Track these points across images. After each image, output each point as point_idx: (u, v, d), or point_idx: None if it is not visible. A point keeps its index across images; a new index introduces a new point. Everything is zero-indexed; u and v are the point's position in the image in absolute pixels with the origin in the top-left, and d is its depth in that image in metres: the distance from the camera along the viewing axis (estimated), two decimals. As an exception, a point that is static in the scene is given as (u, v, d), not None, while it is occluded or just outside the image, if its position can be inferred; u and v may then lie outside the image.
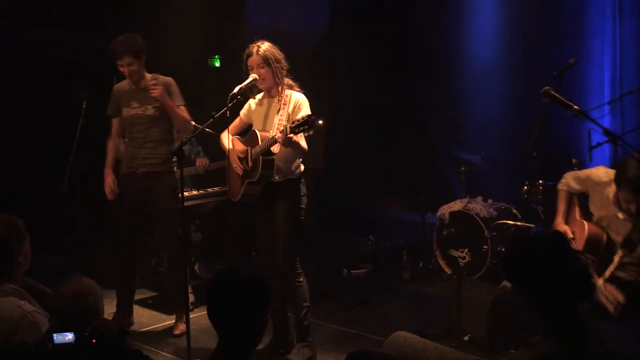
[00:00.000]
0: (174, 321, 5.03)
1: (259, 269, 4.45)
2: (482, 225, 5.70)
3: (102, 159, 5.27)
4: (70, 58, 6.73)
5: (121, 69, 4.77)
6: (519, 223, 5.76)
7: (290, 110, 4.22)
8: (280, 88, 4.30)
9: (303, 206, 4.36)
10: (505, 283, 4.11)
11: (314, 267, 5.86)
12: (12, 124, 6.46)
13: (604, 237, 3.80)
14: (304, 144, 4.17)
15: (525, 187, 5.66)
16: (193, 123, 4.93)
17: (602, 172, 3.93)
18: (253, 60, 4.28)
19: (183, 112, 4.79)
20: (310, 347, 4.47)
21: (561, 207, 4.11)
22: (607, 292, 3.51)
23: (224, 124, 4.37)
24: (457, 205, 5.98)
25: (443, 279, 5.98)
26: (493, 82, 7.11)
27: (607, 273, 3.64)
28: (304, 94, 4.32)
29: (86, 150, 5.16)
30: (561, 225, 4.02)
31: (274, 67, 4.24)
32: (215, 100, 4.58)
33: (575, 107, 4.05)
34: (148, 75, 4.84)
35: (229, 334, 2.42)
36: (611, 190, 3.76)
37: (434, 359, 3.00)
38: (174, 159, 4.75)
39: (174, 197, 4.75)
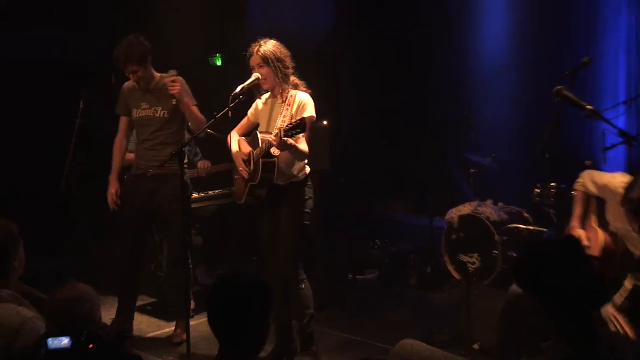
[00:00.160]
0: (173, 328, 5.03)
1: (263, 273, 4.46)
2: (493, 229, 5.68)
3: (103, 159, 5.28)
4: (69, 58, 6.75)
5: (128, 76, 4.79)
6: (531, 227, 5.74)
7: (294, 111, 4.21)
8: (283, 88, 4.30)
9: (308, 210, 4.35)
10: (515, 288, 4.09)
11: (318, 272, 5.86)
12: (11, 125, 6.47)
13: (620, 249, 3.73)
14: (303, 147, 4.15)
15: (537, 190, 5.63)
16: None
17: (619, 182, 3.81)
18: (253, 60, 4.30)
19: (197, 111, 4.80)
20: (314, 355, 4.46)
21: (577, 210, 4.02)
22: (617, 322, 3.43)
23: (226, 125, 4.37)
24: (466, 208, 5.97)
25: (452, 285, 5.97)
26: (503, 83, 7.10)
27: (618, 300, 3.51)
28: (311, 94, 4.31)
29: (86, 150, 5.15)
30: (576, 230, 3.94)
31: (275, 66, 4.24)
32: (217, 100, 4.59)
33: (589, 107, 4.04)
34: (157, 75, 4.85)
35: (230, 342, 2.42)
36: None
37: (442, 368, 2.99)
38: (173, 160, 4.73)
39: (183, 200, 4.73)
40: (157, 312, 5.51)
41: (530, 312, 3.53)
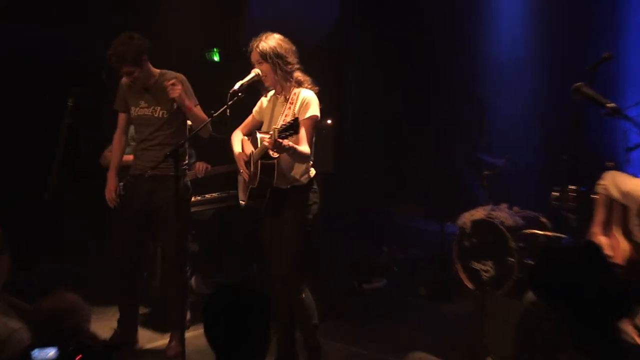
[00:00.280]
0: (167, 340, 5.03)
1: (265, 281, 4.46)
2: (508, 235, 5.67)
3: (95, 161, 5.31)
4: (59, 55, 6.76)
5: (123, 76, 4.80)
6: (548, 233, 5.73)
7: (296, 109, 4.22)
8: (285, 85, 4.30)
9: (311, 216, 4.34)
10: (530, 296, 4.09)
11: (322, 280, 5.85)
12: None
13: None
14: (304, 148, 4.14)
15: (555, 193, 5.61)
16: (189, 122, 4.94)
17: None
18: (253, 56, 4.31)
19: (200, 111, 4.80)
20: None
21: (598, 215, 4.00)
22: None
23: (224, 124, 4.37)
24: (479, 213, 5.96)
25: (464, 295, 5.95)
26: (518, 79, 7.09)
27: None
28: (317, 92, 4.30)
29: (74, 151, 5.16)
30: (597, 237, 3.91)
31: (274, 62, 4.24)
32: (215, 98, 4.59)
33: (610, 104, 4.03)
34: (156, 71, 4.86)
35: (228, 355, 2.41)
36: None
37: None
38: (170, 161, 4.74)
39: (180, 202, 4.73)
40: (150, 323, 5.50)
41: (548, 323, 3.53)
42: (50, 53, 6.74)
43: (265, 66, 4.27)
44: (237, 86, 4.24)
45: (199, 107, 4.82)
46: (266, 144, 4.02)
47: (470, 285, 5.93)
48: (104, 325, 5.10)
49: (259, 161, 4.19)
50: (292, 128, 3.88)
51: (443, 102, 7.43)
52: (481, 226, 5.90)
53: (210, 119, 4.38)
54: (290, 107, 4.24)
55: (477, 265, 5.90)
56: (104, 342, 2.60)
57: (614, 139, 6.07)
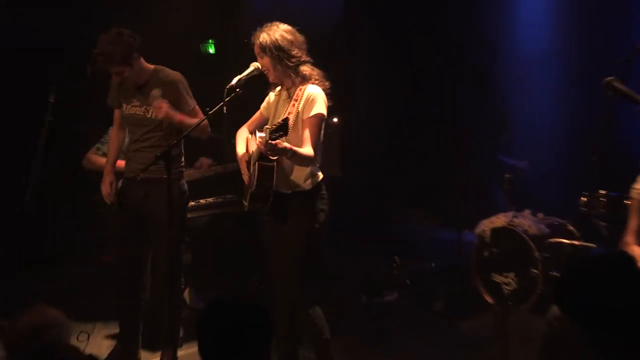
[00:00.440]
0: (158, 359, 5.03)
1: (267, 294, 4.46)
2: (531, 244, 5.66)
3: (78, 163, 5.32)
4: (37, 43, 6.77)
5: (111, 75, 4.82)
6: (576, 242, 5.71)
7: (300, 107, 4.21)
8: (288, 81, 4.30)
9: (318, 225, 4.32)
10: (556, 311, 4.07)
11: (329, 293, 5.85)
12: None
13: None
14: (306, 150, 4.12)
15: (584, 199, 5.60)
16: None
17: None
18: (255, 48, 4.31)
19: (197, 113, 4.80)
20: None
21: (632, 222, 3.99)
22: None
23: (220, 123, 4.38)
24: (500, 220, 5.95)
25: (483, 310, 5.94)
26: (543, 75, 7.09)
27: None
28: (328, 87, 4.29)
29: (56, 152, 5.18)
30: (631, 247, 3.91)
31: (275, 56, 4.24)
32: (210, 94, 4.60)
33: (645, 101, 4.01)
34: (150, 68, 4.87)
35: (224, 375, 2.41)
36: None
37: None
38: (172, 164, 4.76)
39: (175, 207, 4.74)
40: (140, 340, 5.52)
41: (574, 340, 3.51)
42: (27, 41, 6.74)
43: (266, 60, 4.28)
44: (234, 81, 4.24)
45: (196, 108, 4.83)
46: (260, 146, 4.02)
47: (490, 300, 5.91)
48: (104, 344, 5.20)
49: (257, 163, 4.19)
50: (281, 129, 3.86)
51: (461, 101, 7.43)
52: (502, 235, 5.89)
53: (205, 117, 4.38)
54: (294, 105, 4.23)
55: (498, 278, 5.89)
56: (89, 356, 2.59)
57: (648, 140, 6.08)
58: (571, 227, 5.89)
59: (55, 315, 2.76)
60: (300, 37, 4.32)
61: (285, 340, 4.43)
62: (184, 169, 5.06)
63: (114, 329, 5.31)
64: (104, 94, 5.05)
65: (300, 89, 4.26)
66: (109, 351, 5.08)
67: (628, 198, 4.11)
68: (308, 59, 4.33)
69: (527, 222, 5.84)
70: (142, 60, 4.81)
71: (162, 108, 4.68)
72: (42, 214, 5.65)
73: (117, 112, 5.05)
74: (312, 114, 4.17)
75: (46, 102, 5.09)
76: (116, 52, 4.62)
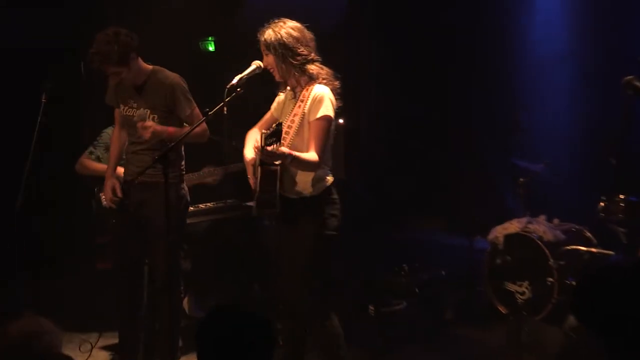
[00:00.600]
0: (156, 371, 5.05)
1: (269, 302, 4.45)
2: (546, 251, 5.66)
3: (71, 165, 5.32)
4: (30, 42, 6.79)
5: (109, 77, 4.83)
6: (593, 249, 5.71)
7: (306, 108, 4.19)
8: (293, 80, 4.29)
9: (329, 232, 4.29)
10: (573, 321, 4.08)
11: (334, 302, 5.84)
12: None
13: None
14: (308, 155, 4.10)
15: (602, 204, 5.61)
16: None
17: None
18: (260, 45, 4.30)
19: (194, 118, 4.81)
20: None
21: None
22: None
23: (220, 124, 4.37)
24: (513, 226, 5.95)
25: (496, 320, 5.94)
26: (561, 73, 7.09)
27: None
28: (337, 87, 4.27)
29: (55, 153, 5.19)
30: None
31: (279, 53, 4.23)
32: (210, 93, 4.61)
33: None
34: (148, 68, 4.88)
35: (224, 388, 2.42)
36: None
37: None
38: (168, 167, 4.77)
39: (172, 212, 4.74)
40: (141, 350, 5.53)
41: (592, 352, 3.51)
42: (20, 40, 6.76)
43: (271, 58, 4.27)
44: (235, 80, 4.23)
45: (195, 112, 4.83)
46: (255, 152, 4.02)
47: (503, 310, 5.91)
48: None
49: (259, 167, 4.18)
50: (274, 135, 3.84)
51: (473, 101, 7.43)
52: (516, 241, 5.89)
53: (205, 117, 4.39)
54: (300, 106, 4.21)
55: (511, 287, 5.89)
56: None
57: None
58: (588, 234, 5.89)
59: (46, 324, 2.76)
60: (308, 34, 4.28)
61: (292, 353, 4.42)
62: (184, 173, 5.07)
63: (112, 339, 5.31)
64: (103, 94, 5.07)
65: (307, 89, 4.23)
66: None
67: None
68: (316, 57, 4.28)
69: (542, 228, 5.84)
70: (140, 60, 4.82)
71: (147, 129, 4.70)
72: (35, 219, 5.65)
73: (117, 112, 5.07)
74: (318, 116, 4.14)
75: (38, 102, 5.09)
76: (113, 51, 4.62)
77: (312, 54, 4.26)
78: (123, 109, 4.93)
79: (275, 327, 4.31)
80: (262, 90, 4.59)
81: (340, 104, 4.28)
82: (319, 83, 4.22)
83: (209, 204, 5.84)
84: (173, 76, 4.89)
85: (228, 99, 4.18)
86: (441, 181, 7.62)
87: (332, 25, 7.29)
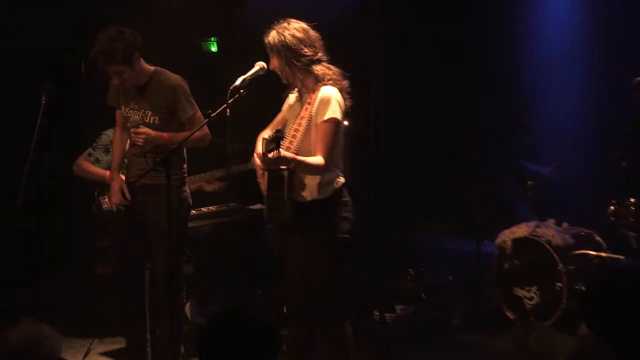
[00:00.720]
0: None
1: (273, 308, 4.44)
2: (555, 256, 5.65)
3: (70, 169, 5.32)
4: (29, 43, 6.81)
5: (110, 76, 4.84)
6: (603, 254, 5.71)
7: (314, 110, 4.16)
8: (298, 82, 4.28)
9: (341, 235, 4.26)
10: (584, 329, 4.07)
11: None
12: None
13: None
14: (314, 159, 4.09)
15: (612, 208, 5.60)
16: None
17: None
18: (267, 48, 4.29)
19: (195, 121, 4.82)
20: None
21: None
22: None
23: (223, 126, 4.37)
24: (522, 230, 5.94)
25: (504, 326, 5.93)
26: (570, 73, 7.08)
27: None
28: (344, 87, 4.25)
29: (53, 152, 5.20)
30: None
31: (283, 56, 4.21)
32: (212, 94, 4.60)
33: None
34: (149, 69, 4.89)
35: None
36: None
37: None
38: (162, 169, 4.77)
39: (175, 216, 4.74)
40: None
41: (602, 359, 3.50)
42: (20, 40, 6.77)
43: (276, 60, 4.26)
44: (238, 81, 4.22)
45: (196, 115, 4.84)
46: (257, 156, 4.01)
47: (511, 315, 5.90)
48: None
49: (266, 172, 4.18)
50: (274, 141, 3.83)
51: (481, 102, 7.41)
52: (524, 246, 5.88)
53: (207, 119, 4.38)
54: (307, 108, 4.19)
55: (520, 292, 5.88)
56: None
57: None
58: (598, 238, 5.88)
59: (45, 330, 2.76)
60: (313, 35, 4.24)
61: (297, 359, 4.41)
62: (185, 175, 5.07)
63: (111, 345, 5.32)
64: (103, 94, 5.07)
65: (314, 91, 4.21)
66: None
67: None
68: (322, 57, 4.26)
69: (550, 232, 5.82)
70: (142, 61, 4.83)
71: (140, 135, 4.71)
72: (35, 220, 5.66)
73: (118, 113, 5.06)
74: (325, 118, 4.11)
75: (37, 103, 5.10)
76: (117, 50, 4.62)
77: (318, 54, 4.23)
78: (124, 110, 4.94)
79: (279, 332, 4.32)
80: (266, 91, 4.59)
81: (350, 103, 4.26)
82: (326, 84, 4.20)
83: (211, 208, 5.85)
84: (175, 77, 4.89)
85: (231, 100, 4.18)
86: (448, 184, 7.61)
87: (333, 25, 7.29)
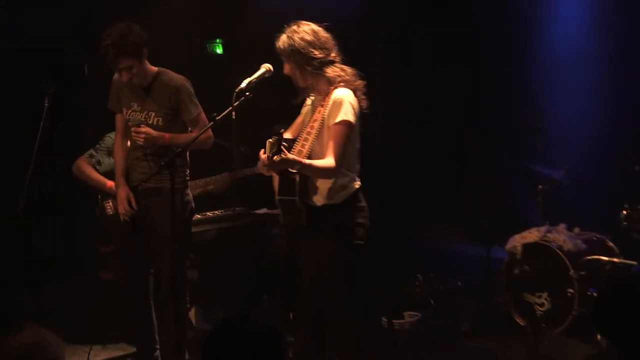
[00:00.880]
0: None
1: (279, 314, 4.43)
2: (567, 261, 5.64)
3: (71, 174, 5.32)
4: (30, 43, 6.82)
5: (118, 73, 4.84)
6: (615, 259, 5.69)
7: (326, 113, 4.16)
8: (312, 86, 4.28)
9: (358, 241, 4.26)
10: (600, 339, 4.06)
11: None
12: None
13: None
14: (323, 162, 4.08)
15: (625, 212, 5.59)
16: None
17: None
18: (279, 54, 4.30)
19: (199, 122, 4.83)
20: None
21: None
22: None
23: (229, 129, 4.38)
24: (532, 235, 5.93)
25: (514, 333, 5.92)
26: (581, 75, 7.06)
27: None
28: (359, 87, 4.24)
29: (49, 160, 5.20)
30: None
31: (293, 60, 4.21)
32: (218, 97, 4.61)
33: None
34: (153, 69, 4.91)
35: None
36: None
37: None
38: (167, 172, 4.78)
39: (179, 219, 4.75)
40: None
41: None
42: (20, 40, 6.79)
43: (288, 65, 4.26)
44: (244, 84, 4.24)
45: (200, 116, 4.85)
46: (263, 160, 4.02)
47: (521, 322, 5.89)
48: None
49: (277, 175, 4.18)
50: (275, 145, 3.83)
51: (490, 104, 7.41)
52: (535, 251, 5.87)
53: (212, 122, 4.39)
54: (320, 111, 4.19)
55: (530, 298, 5.87)
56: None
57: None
58: (610, 243, 5.87)
59: (48, 335, 2.76)
60: (324, 36, 4.23)
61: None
62: (188, 179, 5.08)
63: (114, 352, 5.33)
64: (106, 96, 5.08)
65: (327, 94, 4.20)
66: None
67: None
68: (336, 57, 4.25)
69: (562, 237, 5.82)
70: (146, 61, 4.85)
71: (141, 135, 4.72)
72: (36, 222, 5.68)
73: (118, 118, 5.06)
74: (337, 120, 4.10)
75: (39, 105, 5.11)
76: (128, 42, 4.66)
77: (331, 55, 4.23)
78: (126, 112, 4.95)
79: (285, 339, 4.32)
80: (272, 94, 4.59)
81: (366, 104, 4.26)
82: (339, 86, 4.19)
83: (216, 212, 5.85)
84: (178, 78, 4.91)
85: (237, 103, 4.19)
86: (458, 188, 7.60)
87: (347, 26, 7.30)
